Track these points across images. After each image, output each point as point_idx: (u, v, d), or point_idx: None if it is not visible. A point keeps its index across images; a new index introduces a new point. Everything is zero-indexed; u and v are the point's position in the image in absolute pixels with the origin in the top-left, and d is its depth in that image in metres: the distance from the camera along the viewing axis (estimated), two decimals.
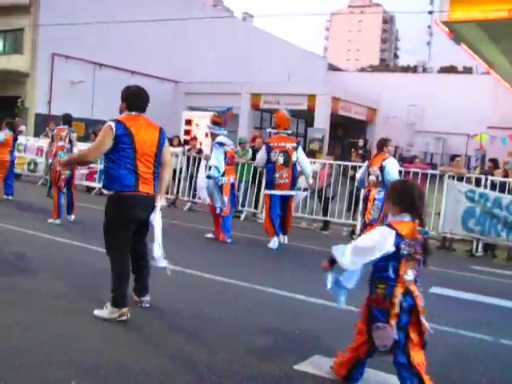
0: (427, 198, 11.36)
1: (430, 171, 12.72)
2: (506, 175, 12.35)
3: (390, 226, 3.97)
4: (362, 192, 10.16)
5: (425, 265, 4.06)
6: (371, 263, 4.00)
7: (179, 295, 6.33)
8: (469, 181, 12.00)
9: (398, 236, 3.89)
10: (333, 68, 63.29)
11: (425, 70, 77.24)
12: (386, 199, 4.41)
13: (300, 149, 10.79)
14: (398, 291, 3.91)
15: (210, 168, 10.27)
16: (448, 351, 5.27)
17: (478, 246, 11.72)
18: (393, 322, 3.89)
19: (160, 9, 30.95)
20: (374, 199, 9.43)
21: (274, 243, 10.16)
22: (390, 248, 3.87)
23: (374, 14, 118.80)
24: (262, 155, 10.62)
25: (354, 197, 12.86)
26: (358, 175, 10.20)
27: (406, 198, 4.05)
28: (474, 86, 46.44)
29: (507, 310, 7.31)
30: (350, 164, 13.68)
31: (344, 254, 3.97)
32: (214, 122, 10.49)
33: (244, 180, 14.30)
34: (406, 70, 77.32)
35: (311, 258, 8.98)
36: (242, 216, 14.22)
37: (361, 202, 10.07)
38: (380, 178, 9.44)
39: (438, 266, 10.08)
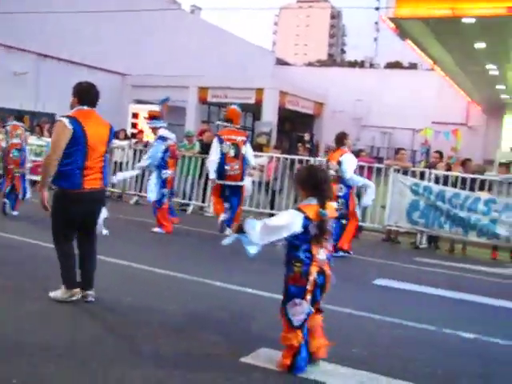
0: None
1: (376, 165, 12.88)
2: (448, 169, 12.64)
3: (298, 209, 4.26)
4: None
5: (326, 242, 4.33)
6: (282, 242, 4.30)
7: (125, 289, 6.26)
8: (414, 174, 12.20)
9: (306, 218, 4.18)
10: (281, 62, 63.53)
11: (371, 65, 78.33)
12: (294, 184, 4.77)
13: (248, 143, 10.95)
14: (314, 269, 4.21)
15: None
16: (392, 342, 5.35)
17: (422, 238, 11.96)
18: (308, 297, 4.20)
19: (107, 0, 30.46)
20: (338, 197, 9.61)
21: (228, 239, 10.22)
22: (297, 229, 4.16)
23: (321, 9, 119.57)
24: (216, 148, 10.61)
25: None
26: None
27: (312, 182, 4.34)
28: (419, 82, 47.24)
29: (449, 300, 7.46)
30: (296, 158, 13.72)
31: (254, 229, 4.25)
32: (152, 117, 10.63)
33: (191, 174, 14.24)
34: (353, 65, 78.13)
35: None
36: (190, 210, 14.17)
37: None
38: (339, 173, 9.68)
39: (383, 258, 10.30)
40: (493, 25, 19.29)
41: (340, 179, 9.76)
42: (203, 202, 14.16)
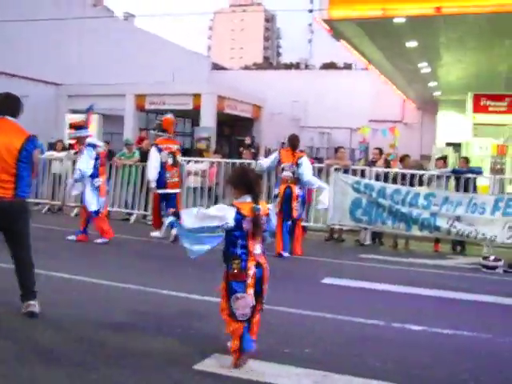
0: (317, 192, 11.72)
1: (316, 165, 12.99)
2: (387, 166, 12.87)
3: (232, 205, 4.52)
4: (276, 189, 10.27)
5: (261, 238, 4.55)
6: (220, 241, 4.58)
7: (69, 301, 6.13)
8: (354, 173, 12.36)
9: (240, 214, 4.43)
10: (217, 67, 63.48)
11: (307, 66, 79.08)
12: (227, 184, 5.09)
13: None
14: (251, 264, 4.43)
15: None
16: (344, 339, 5.41)
17: (365, 235, 12.14)
18: (250, 291, 4.40)
19: (36, 8, 29.84)
20: (297, 196, 9.99)
21: (159, 233, 10.53)
22: (230, 221, 4.40)
23: (255, 12, 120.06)
24: (156, 156, 10.78)
25: None
26: (266, 163, 10.45)
27: (245, 181, 4.58)
28: (354, 82, 47.84)
29: (396, 294, 7.60)
30: (238, 161, 13.65)
31: (188, 215, 4.60)
32: (76, 127, 10.58)
33: (132, 182, 14.07)
34: (288, 67, 78.75)
35: (202, 257, 8.95)
36: (132, 219, 14.01)
37: (277, 198, 10.14)
38: (296, 175, 9.97)
39: (330, 257, 10.41)
40: (422, 24, 19.71)
41: (297, 181, 9.99)
42: (145, 210, 13.99)
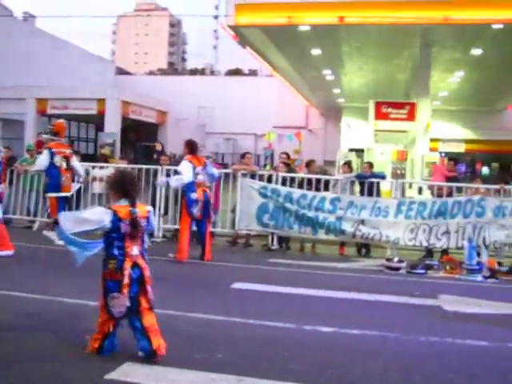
0: (223, 197, 11.77)
1: (222, 170, 12.99)
2: (289, 171, 12.92)
3: (109, 208, 4.69)
4: (194, 193, 10.04)
5: (140, 240, 4.73)
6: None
7: None
8: (261, 178, 12.42)
9: (116, 216, 4.60)
10: (121, 72, 62.56)
11: (212, 72, 79.22)
12: (106, 189, 5.43)
13: (74, 155, 11.65)
14: (127, 265, 4.60)
15: None
16: (256, 343, 5.40)
17: (273, 239, 12.23)
18: (125, 291, 4.55)
19: None
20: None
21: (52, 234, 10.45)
22: (107, 224, 4.58)
23: (160, 17, 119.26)
24: (46, 158, 10.92)
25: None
26: (187, 177, 10.06)
27: (121, 185, 4.77)
28: (259, 88, 48.37)
29: (306, 297, 7.67)
30: (144, 167, 13.26)
31: (66, 220, 4.81)
32: None
33: (35, 189, 13.59)
34: (194, 72, 78.68)
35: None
36: (35, 226, 13.52)
37: (198, 203, 10.03)
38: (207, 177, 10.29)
39: (238, 262, 10.43)
40: (326, 33, 20.21)
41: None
42: (49, 217, 13.52)
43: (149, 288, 4.67)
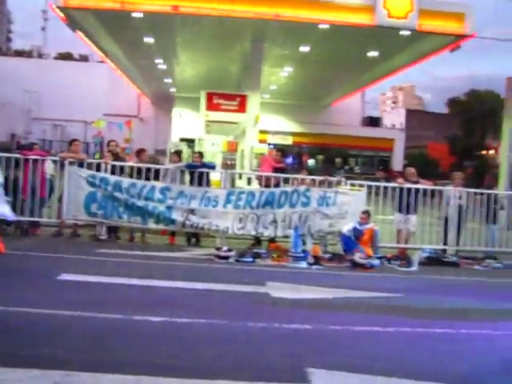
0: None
1: (49, 158, 12.48)
2: (116, 158, 12.55)
3: None
4: None
5: None
6: None
7: None
8: (90, 166, 12.08)
9: None
10: None
11: (40, 55, 75.69)
12: None
13: None
14: None
15: None
16: (82, 336, 5.26)
17: (101, 229, 11.97)
18: None
19: None
20: None
21: None
22: None
23: None
24: None
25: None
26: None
27: None
28: (90, 74, 47.15)
29: (135, 287, 7.60)
30: None
31: None
32: None
33: None
34: (20, 54, 74.73)
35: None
36: None
37: None
38: None
39: (65, 252, 10.08)
40: (160, 21, 20.11)
41: None
42: None
43: None
